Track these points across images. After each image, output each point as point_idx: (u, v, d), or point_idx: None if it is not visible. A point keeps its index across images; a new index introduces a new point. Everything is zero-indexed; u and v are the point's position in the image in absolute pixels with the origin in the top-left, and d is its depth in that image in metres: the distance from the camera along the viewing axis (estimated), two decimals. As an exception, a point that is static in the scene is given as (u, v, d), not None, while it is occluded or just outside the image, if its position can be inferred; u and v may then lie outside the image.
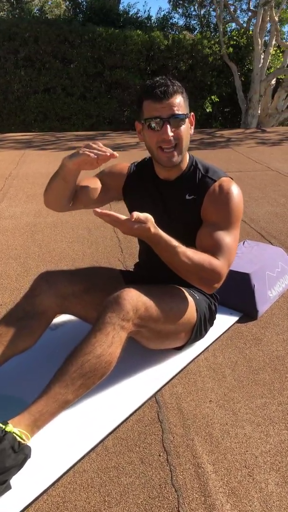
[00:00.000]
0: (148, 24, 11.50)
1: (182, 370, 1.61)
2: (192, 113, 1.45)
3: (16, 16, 11.15)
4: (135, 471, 1.20)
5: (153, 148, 1.41)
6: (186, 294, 1.54)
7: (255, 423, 1.37)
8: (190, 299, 1.54)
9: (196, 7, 13.25)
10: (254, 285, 1.97)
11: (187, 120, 1.40)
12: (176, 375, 1.58)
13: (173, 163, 1.42)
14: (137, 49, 9.73)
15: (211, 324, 1.70)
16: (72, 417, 1.34)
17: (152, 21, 11.94)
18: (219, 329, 1.83)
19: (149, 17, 11.82)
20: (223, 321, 1.89)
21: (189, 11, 13.47)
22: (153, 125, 1.36)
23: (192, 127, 1.46)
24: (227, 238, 1.40)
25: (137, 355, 1.62)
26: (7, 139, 7.92)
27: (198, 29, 13.15)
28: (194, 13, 13.51)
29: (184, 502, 1.11)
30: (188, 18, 13.59)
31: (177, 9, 13.26)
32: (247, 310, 1.98)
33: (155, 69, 10.11)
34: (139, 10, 33.43)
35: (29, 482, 1.13)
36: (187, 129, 1.41)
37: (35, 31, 9.25)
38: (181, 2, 13.09)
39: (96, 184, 1.56)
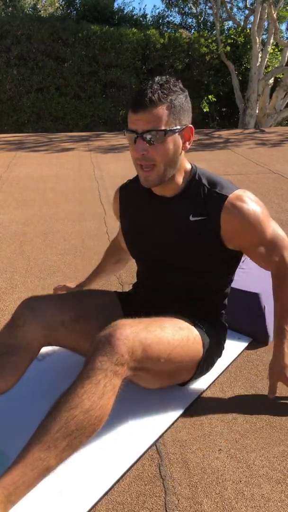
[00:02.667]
0: (144, 22, 11.29)
1: (186, 410, 1.40)
2: (189, 126, 1.22)
3: (9, 14, 10.90)
4: None
5: (134, 164, 1.26)
6: (191, 327, 1.33)
7: (274, 479, 1.17)
8: (195, 332, 1.33)
9: (190, 5, 13.02)
10: (264, 307, 1.77)
11: (170, 137, 1.17)
12: (179, 417, 1.38)
13: (149, 184, 1.25)
14: (132, 47, 9.53)
15: (219, 356, 1.50)
16: (55, 478, 1.12)
17: (148, 19, 11.74)
18: (227, 358, 1.63)
19: (144, 15, 11.59)
20: (231, 349, 1.68)
21: (185, 9, 13.25)
22: (128, 139, 1.20)
23: (188, 143, 1.24)
24: (274, 237, 1.36)
25: (133, 394, 1.41)
26: (-2, 140, 7.68)
27: (194, 27, 12.95)
28: (190, 11, 13.29)
29: None
30: (184, 16, 13.37)
31: (171, 8, 13.01)
32: (257, 335, 1.77)
33: (151, 68, 9.92)
34: (134, 7, 33.14)
35: None
36: (167, 148, 1.18)
37: (28, 29, 9.04)
38: (174, 1, 12.85)
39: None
